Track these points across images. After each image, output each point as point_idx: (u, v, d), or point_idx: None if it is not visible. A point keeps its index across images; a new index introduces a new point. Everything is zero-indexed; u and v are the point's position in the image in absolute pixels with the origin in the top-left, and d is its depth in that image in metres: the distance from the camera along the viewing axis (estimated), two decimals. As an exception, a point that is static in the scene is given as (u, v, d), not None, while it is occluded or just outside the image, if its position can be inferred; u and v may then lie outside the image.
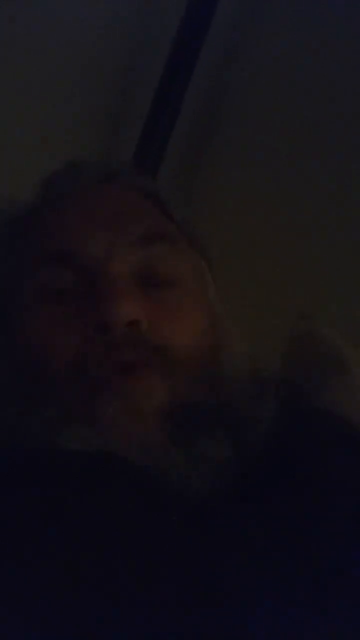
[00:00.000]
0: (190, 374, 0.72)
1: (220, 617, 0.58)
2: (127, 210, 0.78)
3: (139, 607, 0.58)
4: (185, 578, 0.60)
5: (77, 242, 0.75)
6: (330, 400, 0.78)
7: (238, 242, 1.21)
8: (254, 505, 0.66)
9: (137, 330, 0.71)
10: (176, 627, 0.57)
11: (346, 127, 1.21)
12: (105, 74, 1.27)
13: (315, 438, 0.73)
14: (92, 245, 0.74)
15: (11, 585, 0.59)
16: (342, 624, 0.60)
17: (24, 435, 0.69)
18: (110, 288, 0.72)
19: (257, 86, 1.28)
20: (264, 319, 1.09)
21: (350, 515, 0.66)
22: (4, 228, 0.81)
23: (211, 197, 1.27)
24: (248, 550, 0.62)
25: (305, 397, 0.78)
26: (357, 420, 0.76)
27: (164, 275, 0.75)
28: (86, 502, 0.63)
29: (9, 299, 0.77)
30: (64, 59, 1.22)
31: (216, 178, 1.30)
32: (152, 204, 0.80)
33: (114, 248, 0.74)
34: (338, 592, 0.61)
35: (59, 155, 1.08)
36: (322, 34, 1.21)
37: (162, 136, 1.23)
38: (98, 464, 0.66)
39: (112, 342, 0.70)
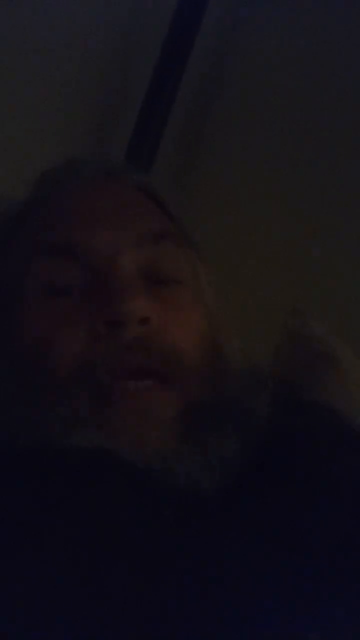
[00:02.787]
0: (197, 373, 0.72)
1: (222, 615, 0.58)
2: (131, 208, 0.77)
3: (140, 605, 0.58)
4: (187, 576, 0.60)
5: (83, 236, 0.74)
6: (322, 395, 0.78)
7: (231, 239, 1.21)
8: (256, 500, 0.66)
9: (148, 328, 0.70)
10: (176, 626, 0.57)
11: (345, 125, 1.21)
12: (97, 70, 1.27)
13: (311, 433, 0.73)
14: (98, 241, 0.74)
15: (9, 583, 0.59)
16: (343, 622, 0.59)
17: (31, 435, 0.68)
18: (122, 284, 0.71)
19: (251, 81, 1.28)
20: (258, 314, 1.09)
21: (349, 509, 0.66)
22: (3, 222, 0.80)
23: (205, 194, 1.27)
24: (251, 546, 0.62)
25: (298, 393, 0.78)
26: (348, 414, 0.76)
27: (168, 274, 0.75)
28: (86, 499, 0.63)
29: (9, 292, 0.76)
30: (57, 55, 1.22)
31: (210, 174, 1.29)
32: (153, 202, 0.80)
33: (121, 245, 0.74)
34: (340, 588, 0.61)
35: (52, 152, 1.08)
36: (317, 24, 1.21)
37: (154, 134, 1.23)
38: (97, 461, 0.66)
39: (123, 341, 0.70)
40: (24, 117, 1.20)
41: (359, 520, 0.66)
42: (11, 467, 0.66)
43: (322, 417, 0.75)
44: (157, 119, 1.22)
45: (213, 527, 0.63)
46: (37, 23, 1.18)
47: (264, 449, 0.70)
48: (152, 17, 1.25)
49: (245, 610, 0.58)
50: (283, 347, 0.83)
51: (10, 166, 1.13)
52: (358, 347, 0.87)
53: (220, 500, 0.66)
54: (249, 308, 1.08)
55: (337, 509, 0.66)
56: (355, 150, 1.20)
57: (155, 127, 1.22)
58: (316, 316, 0.88)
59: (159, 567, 0.60)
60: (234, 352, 0.76)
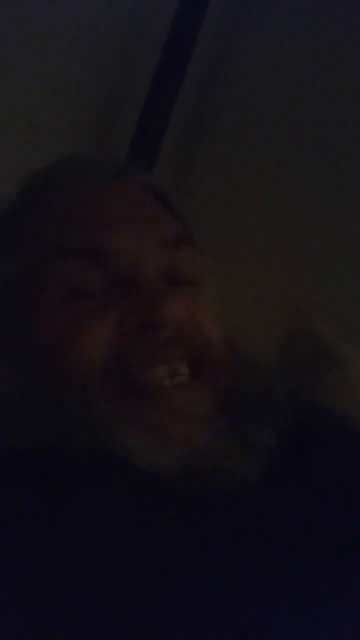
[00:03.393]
0: (226, 369, 0.72)
1: (225, 616, 0.59)
2: (147, 211, 0.77)
3: (141, 605, 0.58)
4: (194, 578, 0.60)
5: (106, 238, 0.73)
6: (325, 394, 0.78)
7: (232, 239, 1.21)
8: (286, 496, 0.67)
9: (181, 327, 0.71)
10: (179, 624, 0.58)
11: (345, 125, 1.21)
12: (98, 70, 1.27)
13: (313, 431, 0.73)
14: (122, 243, 0.73)
15: (10, 581, 0.59)
16: (350, 623, 0.60)
17: (64, 439, 0.68)
18: (151, 286, 0.71)
19: (252, 81, 1.28)
20: (258, 314, 1.09)
21: (351, 509, 0.67)
22: (7, 222, 0.78)
23: (205, 194, 1.27)
24: (263, 548, 0.63)
25: (300, 391, 0.78)
26: (351, 413, 0.76)
27: (187, 276, 0.75)
28: (90, 502, 0.64)
29: (23, 295, 0.74)
30: (58, 56, 1.22)
31: (210, 174, 1.29)
32: (163, 204, 0.79)
33: (145, 247, 0.73)
34: (350, 589, 0.62)
35: (53, 152, 1.08)
36: (317, 24, 1.21)
37: (155, 134, 1.23)
38: (105, 464, 0.66)
39: (158, 339, 0.70)
40: (25, 118, 1.20)
41: None
42: (24, 469, 0.66)
43: (327, 417, 0.76)
44: (158, 119, 1.22)
45: (252, 521, 0.64)
46: (37, 22, 1.18)
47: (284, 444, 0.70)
48: (153, 17, 1.25)
49: (252, 611, 0.59)
50: (286, 346, 0.83)
51: (10, 167, 1.12)
52: (358, 347, 0.88)
53: (258, 494, 0.66)
54: (249, 308, 1.09)
55: (340, 508, 0.67)
56: (355, 150, 1.20)
57: (156, 127, 1.22)
58: (317, 316, 0.89)
59: (168, 567, 0.61)
60: (247, 349, 0.77)
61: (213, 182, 1.28)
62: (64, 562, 0.60)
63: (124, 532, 0.62)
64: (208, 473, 0.66)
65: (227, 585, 0.60)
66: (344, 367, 0.81)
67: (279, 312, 0.93)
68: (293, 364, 0.83)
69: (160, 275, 0.73)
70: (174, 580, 0.60)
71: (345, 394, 0.79)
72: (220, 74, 1.30)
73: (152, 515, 0.63)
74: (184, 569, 0.61)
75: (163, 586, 0.59)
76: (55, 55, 1.21)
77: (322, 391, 0.79)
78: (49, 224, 0.76)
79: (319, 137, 1.22)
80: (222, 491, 0.65)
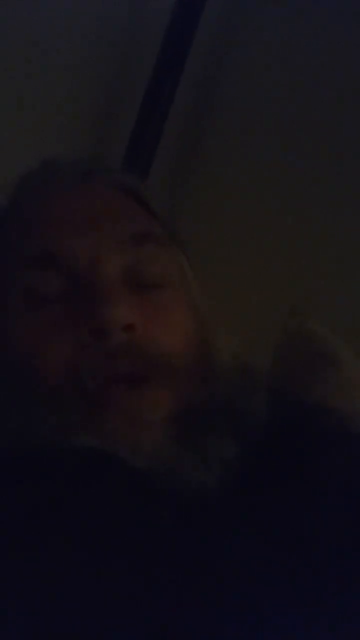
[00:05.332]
0: (185, 377, 0.71)
1: (220, 616, 0.58)
2: (111, 210, 0.76)
3: (138, 605, 0.58)
4: (185, 577, 0.60)
5: (62, 243, 0.73)
6: (321, 394, 0.78)
7: (230, 239, 1.21)
8: (255, 501, 0.66)
9: (132, 335, 0.70)
10: (174, 626, 0.57)
11: (346, 125, 1.21)
12: (96, 71, 1.27)
13: (308, 432, 0.73)
14: (78, 247, 0.72)
15: (7, 581, 0.59)
16: (343, 625, 0.59)
17: (25, 443, 0.68)
18: (104, 291, 0.71)
19: (250, 82, 1.28)
20: (258, 314, 1.09)
21: (346, 510, 0.66)
22: None
23: (203, 194, 1.27)
24: (251, 546, 0.62)
25: (296, 392, 0.78)
26: (348, 413, 0.76)
27: (152, 276, 0.74)
28: (86, 501, 0.63)
29: None
30: (55, 57, 1.22)
31: (208, 175, 1.29)
32: (135, 201, 0.78)
33: (102, 250, 0.72)
34: (339, 591, 0.61)
35: (50, 153, 1.08)
36: (318, 24, 1.21)
37: (153, 134, 1.23)
38: (96, 463, 0.66)
39: (108, 349, 0.69)
40: (22, 119, 1.20)
41: (357, 518, 0.66)
42: (10, 469, 0.66)
43: (321, 417, 0.75)
44: (156, 120, 1.22)
45: (213, 528, 0.63)
46: (36, 22, 1.18)
47: (263, 449, 0.70)
48: (151, 17, 1.25)
49: (245, 611, 0.59)
50: (282, 346, 0.83)
51: (9, 168, 1.13)
52: (358, 347, 0.87)
53: (220, 501, 0.65)
54: (248, 308, 1.09)
55: (336, 508, 0.66)
56: (355, 151, 1.20)
57: (154, 128, 1.22)
58: (315, 316, 0.88)
59: (160, 567, 0.60)
60: (225, 353, 0.75)
61: (211, 183, 1.28)
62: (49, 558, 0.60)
63: (112, 530, 0.62)
64: (160, 478, 0.66)
65: (224, 586, 0.60)
66: (339, 366, 0.81)
67: (278, 313, 0.93)
68: (290, 364, 0.83)
69: (119, 277, 0.72)
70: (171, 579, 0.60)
71: (343, 395, 0.79)
72: (218, 74, 1.30)
73: (140, 512, 0.63)
74: (177, 568, 0.60)
75: (162, 584, 0.59)
76: (55, 56, 1.21)
77: (319, 392, 0.79)
78: (16, 231, 0.76)
79: (318, 139, 1.22)
80: (178, 496, 0.65)
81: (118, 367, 0.69)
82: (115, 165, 1.15)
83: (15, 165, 1.09)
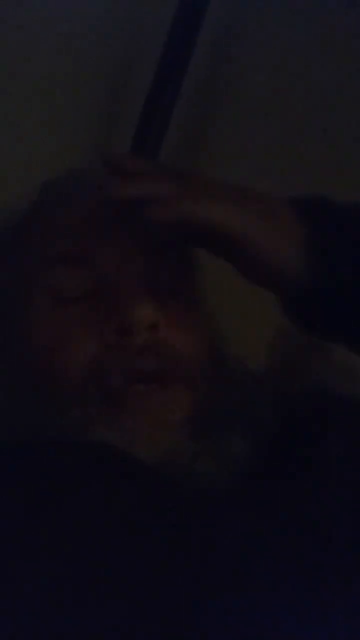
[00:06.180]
0: (204, 377, 0.73)
1: (231, 611, 0.59)
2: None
3: (142, 602, 0.59)
4: (196, 572, 0.61)
5: (88, 243, 0.75)
6: (316, 382, 0.79)
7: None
8: (265, 497, 0.67)
9: (156, 334, 0.72)
10: (177, 623, 0.58)
11: (346, 126, 1.21)
12: (100, 70, 1.27)
13: (313, 426, 0.74)
14: (104, 249, 0.75)
15: (9, 577, 0.60)
16: (347, 622, 0.60)
17: (44, 436, 0.70)
18: (128, 292, 0.73)
19: (254, 80, 1.29)
20: (257, 314, 1.09)
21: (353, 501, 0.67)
22: (6, 232, 0.81)
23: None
24: (262, 542, 0.63)
25: (295, 386, 0.79)
26: (344, 397, 0.77)
27: (171, 282, 0.76)
28: (91, 495, 0.64)
29: (17, 302, 0.77)
30: (58, 57, 1.22)
31: (212, 175, 1.29)
32: None
33: (127, 253, 0.75)
34: (346, 589, 0.62)
35: (54, 154, 1.09)
36: (317, 23, 1.21)
37: (157, 135, 1.23)
38: (107, 458, 0.67)
39: (133, 347, 0.71)
40: (25, 119, 1.21)
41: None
42: (22, 461, 0.68)
43: (322, 407, 0.76)
44: (159, 120, 1.22)
45: (225, 524, 0.64)
46: (36, 22, 1.19)
47: (273, 447, 0.71)
48: (153, 17, 1.25)
49: (256, 607, 0.60)
50: (278, 342, 0.84)
51: (11, 168, 1.13)
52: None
53: (232, 498, 0.67)
54: (248, 308, 1.08)
55: (344, 501, 0.67)
56: (357, 150, 1.20)
57: (158, 129, 1.22)
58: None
59: (172, 562, 0.61)
60: (233, 357, 0.77)
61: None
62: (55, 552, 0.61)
63: (122, 525, 0.63)
64: (173, 475, 0.67)
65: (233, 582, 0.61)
66: (335, 356, 0.82)
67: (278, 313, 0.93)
68: (286, 358, 0.84)
69: (142, 280, 0.74)
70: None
71: (336, 379, 0.80)
72: (222, 74, 1.31)
73: (150, 508, 0.64)
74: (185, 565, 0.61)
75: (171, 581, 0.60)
76: (55, 54, 1.22)
77: (314, 382, 0.80)
78: (41, 232, 0.78)
79: (320, 140, 1.23)
80: (192, 492, 0.66)
81: (143, 365, 0.71)
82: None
83: (16, 166, 1.10)
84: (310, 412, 0.75)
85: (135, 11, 1.27)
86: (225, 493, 0.67)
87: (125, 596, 0.59)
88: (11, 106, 1.19)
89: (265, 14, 1.27)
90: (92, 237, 0.75)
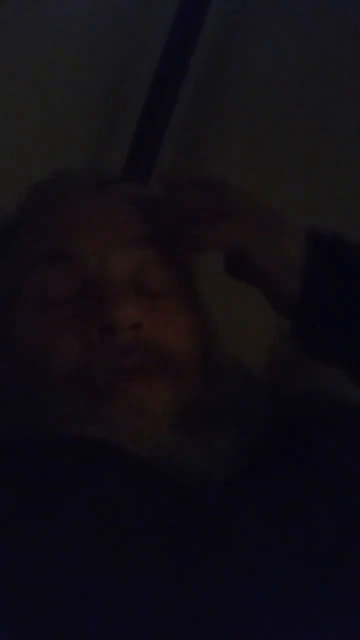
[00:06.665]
0: (190, 375, 0.73)
1: (223, 604, 0.59)
2: (119, 217, 0.79)
3: (146, 595, 0.59)
4: (186, 565, 0.61)
5: (72, 242, 0.76)
6: (314, 383, 0.79)
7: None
8: (256, 490, 0.67)
9: (139, 333, 0.72)
10: (178, 615, 0.58)
11: (347, 126, 1.21)
12: (97, 73, 1.27)
13: (307, 423, 0.74)
14: (87, 245, 0.75)
15: (9, 574, 0.60)
16: (345, 618, 0.60)
17: (30, 432, 0.70)
18: (112, 291, 0.73)
19: (255, 83, 1.29)
20: (257, 314, 1.09)
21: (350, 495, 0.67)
22: (3, 234, 0.82)
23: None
24: (251, 534, 0.63)
25: (293, 386, 0.79)
26: (339, 399, 0.77)
27: (157, 279, 0.76)
28: (83, 489, 0.64)
29: (5, 302, 0.78)
30: (58, 56, 1.22)
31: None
32: (144, 209, 0.80)
33: (111, 249, 0.75)
34: (344, 586, 0.62)
35: (51, 158, 1.09)
36: (317, 23, 1.21)
37: (154, 140, 1.23)
38: (97, 452, 0.68)
39: (116, 346, 0.71)
40: (22, 124, 1.21)
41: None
42: (13, 458, 0.68)
43: (316, 406, 0.77)
44: (159, 120, 1.22)
45: (215, 517, 0.65)
46: (36, 22, 1.19)
47: (265, 442, 0.71)
48: (153, 17, 1.25)
49: (249, 600, 0.60)
50: (277, 342, 0.84)
51: (9, 168, 1.13)
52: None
53: (222, 491, 0.67)
54: (247, 308, 1.08)
55: (339, 490, 0.68)
56: (357, 151, 1.20)
57: (155, 134, 1.22)
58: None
59: (162, 555, 0.61)
60: (225, 355, 0.78)
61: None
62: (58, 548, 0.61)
63: (120, 520, 0.63)
64: (162, 467, 0.68)
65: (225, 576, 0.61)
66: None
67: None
68: (284, 358, 0.84)
69: (127, 278, 0.74)
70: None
71: (333, 381, 0.81)
72: (219, 78, 1.31)
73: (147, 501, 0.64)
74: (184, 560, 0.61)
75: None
76: (55, 56, 1.22)
77: (311, 381, 0.81)
78: (28, 233, 0.79)
79: (320, 140, 1.22)
80: (182, 485, 0.66)
81: (125, 362, 0.71)
82: (117, 167, 1.16)
83: (16, 167, 1.10)
84: (306, 412, 0.75)
85: (135, 11, 1.27)
86: (218, 488, 0.67)
87: (124, 592, 0.59)
88: (8, 108, 1.18)
89: (265, 14, 1.26)
90: (75, 235, 0.76)
